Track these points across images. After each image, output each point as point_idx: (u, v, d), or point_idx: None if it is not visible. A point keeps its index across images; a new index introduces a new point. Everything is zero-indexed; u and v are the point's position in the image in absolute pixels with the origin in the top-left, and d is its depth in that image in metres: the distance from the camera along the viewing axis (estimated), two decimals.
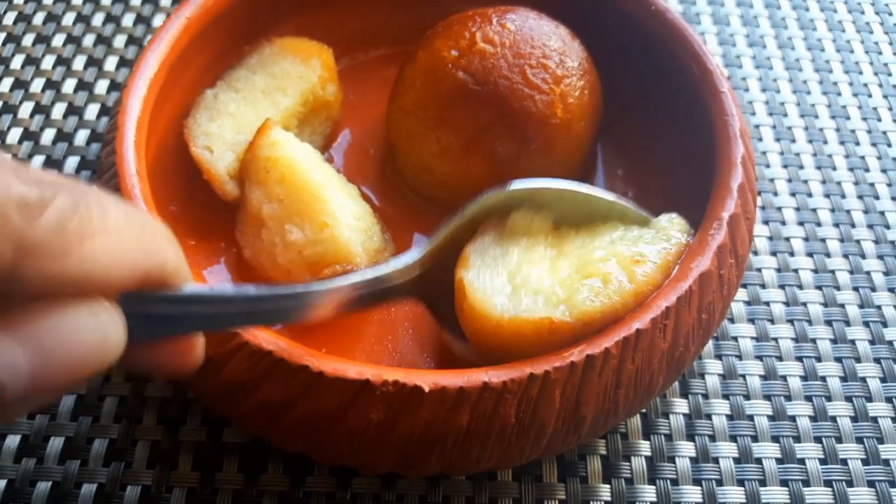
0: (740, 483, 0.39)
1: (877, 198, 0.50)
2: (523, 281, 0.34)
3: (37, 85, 0.53)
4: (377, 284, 0.34)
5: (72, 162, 0.50)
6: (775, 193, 0.51)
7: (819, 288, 0.47)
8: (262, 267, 0.41)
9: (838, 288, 0.47)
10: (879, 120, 0.54)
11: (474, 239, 0.36)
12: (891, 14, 0.61)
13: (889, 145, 0.53)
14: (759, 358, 0.44)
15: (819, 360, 0.44)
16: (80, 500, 0.38)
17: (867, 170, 0.52)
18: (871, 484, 0.40)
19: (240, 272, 0.43)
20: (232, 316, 0.29)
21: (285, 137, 0.41)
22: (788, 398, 0.42)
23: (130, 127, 0.38)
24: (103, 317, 0.23)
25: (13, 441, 0.39)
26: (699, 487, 0.39)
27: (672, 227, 0.37)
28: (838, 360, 0.44)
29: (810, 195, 0.51)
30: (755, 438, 0.41)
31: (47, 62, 0.54)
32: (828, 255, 0.48)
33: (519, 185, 0.37)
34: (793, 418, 0.42)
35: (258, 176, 0.41)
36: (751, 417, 0.42)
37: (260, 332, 0.32)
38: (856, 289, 0.47)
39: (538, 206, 0.37)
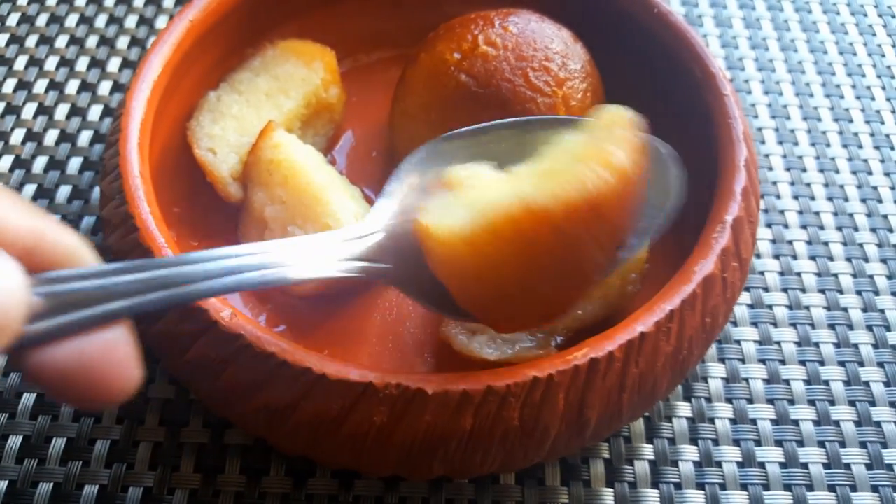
0: (744, 487, 0.39)
1: (880, 201, 0.50)
2: (481, 196, 0.30)
3: (40, 86, 0.53)
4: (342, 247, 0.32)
5: (75, 163, 0.50)
6: (778, 196, 0.51)
7: (822, 291, 0.46)
8: None
9: (841, 291, 0.46)
10: (882, 123, 0.54)
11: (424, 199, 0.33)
12: (894, 17, 0.61)
13: (892, 148, 0.53)
14: (762, 361, 0.44)
15: (822, 363, 0.44)
16: (82, 502, 0.38)
17: (870, 173, 0.52)
18: (874, 489, 0.40)
19: None
20: (151, 287, 0.25)
21: (288, 139, 0.41)
22: (791, 402, 0.42)
23: (134, 129, 0.38)
24: None
25: (15, 442, 0.39)
26: (702, 491, 0.39)
27: (618, 117, 0.31)
28: (841, 363, 0.44)
29: (813, 198, 0.50)
30: (758, 442, 0.41)
31: (50, 63, 0.54)
32: (831, 258, 0.48)
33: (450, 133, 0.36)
34: (796, 422, 0.41)
35: (261, 178, 0.41)
36: (754, 421, 0.41)
37: (263, 334, 0.32)
38: (859, 292, 0.46)
39: (475, 156, 0.35)
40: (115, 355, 0.24)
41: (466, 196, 0.31)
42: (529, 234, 0.28)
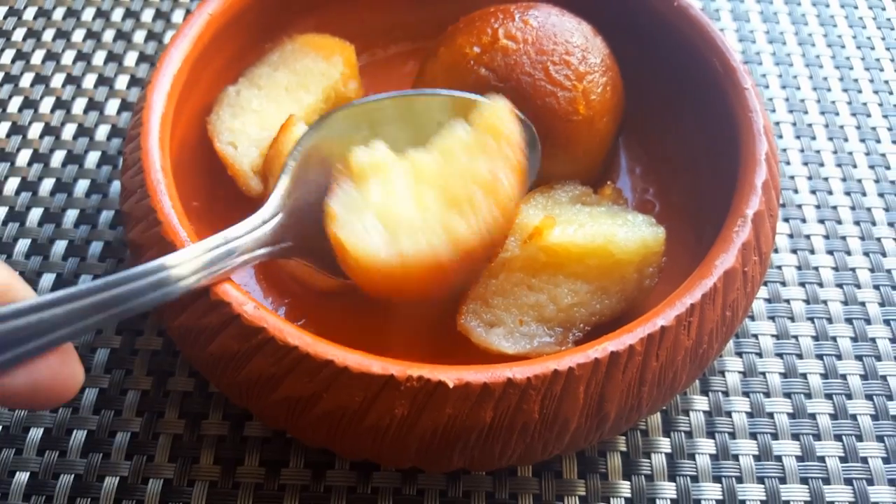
0: (760, 480, 0.39)
1: None
2: (395, 220, 0.34)
3: (57, 80, 0.54)
4: (237, 244, 0.34)
5: (93, 157, 0.50)
6: (795, 191, 0.50)
7: (839, 286, 0.46)
8: (287, 263, 0.41)
9: (858, 286, 0.46)
10: None
11: (330, 190, 0.35)
12: None
13: None
14: (780, 356, 0.44)
15: (839, 357, 0.44)
16: (103, 493, 0.38)
17: (888, 167, 0.52)
18: (891, 482, 0.40)
19: (263, 268, 0.43)
20: (83, 312, 0.28)
21: None
22: (808, 396, 0.42)
23: (155, 122, 0.38)
24: None
25: (36, 434, 0.40)
26: (719, 484, 0.39)
27: (499, 120, 0.36)
28: (858, 357, 0.44)
29: (831, 193, 0.50)
30: (775, 436, 0.41)
31: (67, 57, 0.55)
32: (848, 252, 0.48)
33: (338, 112, 0.38)
34: (813, 416, 0.42)
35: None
36: (771, 415, 0.41)
37: (285, 327, 0.32)
38: (876, 287, 0.46)
39: (372, 131, 0.38)
40: (61, 370, 0.27)
41: (374, 206, 0.35)
42: (439, 278, 0.34)
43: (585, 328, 0.39)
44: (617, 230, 0.39)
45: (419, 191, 0.35)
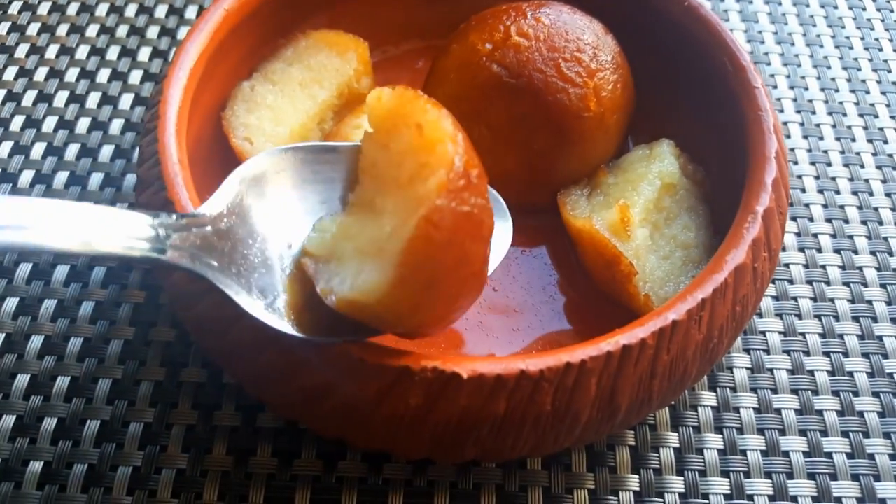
0: (768, 476, 0.40)
1: None
2: (370, 245, 0.31)
3: (71, 74, 0.54)
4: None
5: (107, 150, 0.50)
6: (803, 190, 0.51)
7: (846, 284, 0.47)
8: None
9: (865, 284, 0.47)
10: None
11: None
12: None
13: None
14: (787, 353, 0.44)
15: (846, 355, 0.44)
16: (116, 483, 0.38)
17: (895, 168, 0.52)
18: None
19: None
20: None
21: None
22: (815, 393, 0.42)
23: (172, 116, 0.38)
24: None
25: (50, 424, 0.40)
26: (727, 479, 0.39)
27: (369, 151, 0.33)
28: (865, 355, 0.44)
29: (838, 192, 0.51)
30: (782, 432, 0.41)
31: (81, 52, 0.55)
32: (855, 251, 0.48)
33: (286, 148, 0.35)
34: (820, 413, 0.42)
35: None
36: (778, 411, 0.42)
37: None
38: (883, 286, 0.47)
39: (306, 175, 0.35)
40: None
41: (353, 253, 0.31)
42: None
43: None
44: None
45: (377, 209, 0.32)
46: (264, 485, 0.38)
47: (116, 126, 0.51)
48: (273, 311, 0.31)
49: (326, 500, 0.38)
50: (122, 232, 0.29)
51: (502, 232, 0.37)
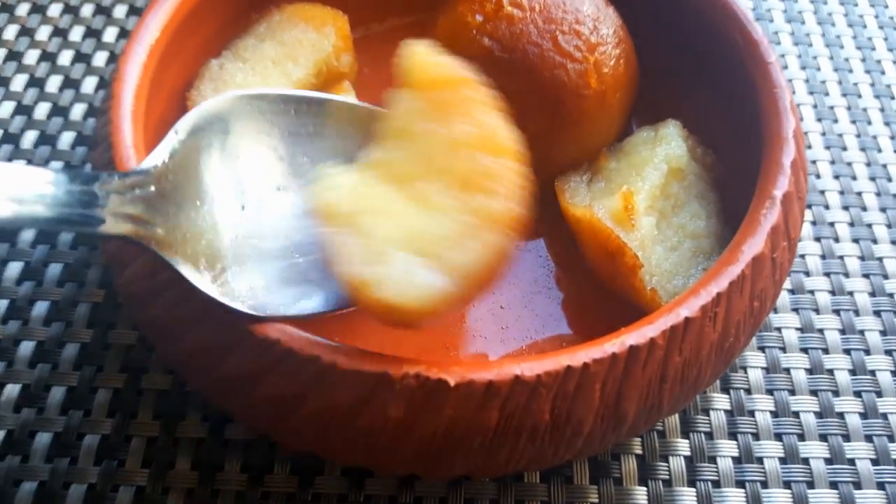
0: (787, 485, 0.37)
1: None
2: (422, 239, 0.29)
3: (31, 56, 0.51)
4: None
5: (67, 137, 0.47)
6: (818, 176, 0.48)
7: (866, 276, 0.44)
8: None
9: (886, 276, 0.44)
10: None
11: (329, 252, 0.29)
12: None
13: None
14: (805, 350, 0.41)
15: (868, 352, 0.41)
16: (69, 502, 0.35)
17: None
18: None
19: None
20: None
21: None
22: (836, 393, 0.40)
23: (128, 96, 0.35)
24: None
25: None
26: (742, 490, 0.37)
27: (434, 65, 0.31)
28: (888, 353, 0.41)
29: (855, 178, 0.48)
30: (801, 437, 0.38)
31: (42, 33, 0.52)
32: (874, 241, 0.45)
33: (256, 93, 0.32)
34: (841, 415, 0.39)
35: None
36: (796, 414, 0.39)
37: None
38: None
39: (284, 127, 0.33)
40: None
41: (388, 240, 0.28)
42: (499, 265, 0.29)
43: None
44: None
45: (419, 193, 0.29)
46: (233, 503, 0.35)
47: (78, 112, 0.48)
48: (222, 286, 0.28)
49: None
50: (53, 194, 0.25)
51: None
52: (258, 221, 0.32)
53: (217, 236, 0.29)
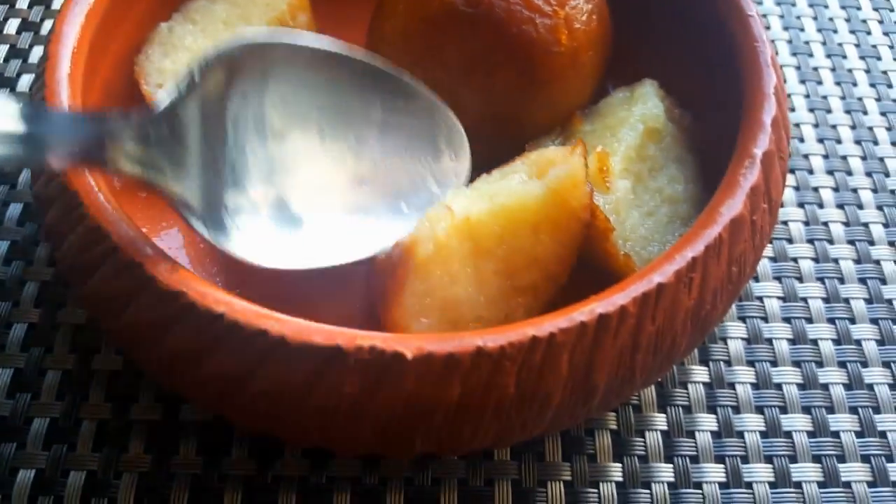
0: (768, 459, 0.36)
1: None
2: (456, 311, 0.32)
3: None
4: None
5: (37, 52, 0.47)
6: (801, 139, 0.47)
7: (851, 242, 0.43)
8: None
9: (872, 242, 0.43)
10: None
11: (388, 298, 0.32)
12: None
13: None
14: (787, 320, 0.40)
15: (853, 321, 0.40)
16: (17, 489, 0.33)
17: None
18: None
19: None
20: None
21: None
22: (820, 364, 0.39)
23: (65, 57, 0.33)
24: None
25: None
26: (722, 465, 0.36)
27: (576, 195, 0.33)
28: (874, 321, 0.40)
29: (839, 141, 0.47)
30: (784, 409, 0.37)
31: None
32: (860, 206, 0.44)
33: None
34: (825, 386, 0.38)
35: None
36: (779, 386, 0.38)
37: (209, 291, 0.27)
38: (891, 243, 0.43)
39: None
40: None
41: (437, 297, 0.32)
42: None
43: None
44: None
45: (480, 264, 0.32)
46: (188, 486, 0.34)
47: (25, 83, 0.46)
48: (222, 231, 0.30)
49: (261, 502, 0.33)
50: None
51: (460, 171, 0.36)
52: (280, 172, 0.33)
53: (233, 179, 0.30)
